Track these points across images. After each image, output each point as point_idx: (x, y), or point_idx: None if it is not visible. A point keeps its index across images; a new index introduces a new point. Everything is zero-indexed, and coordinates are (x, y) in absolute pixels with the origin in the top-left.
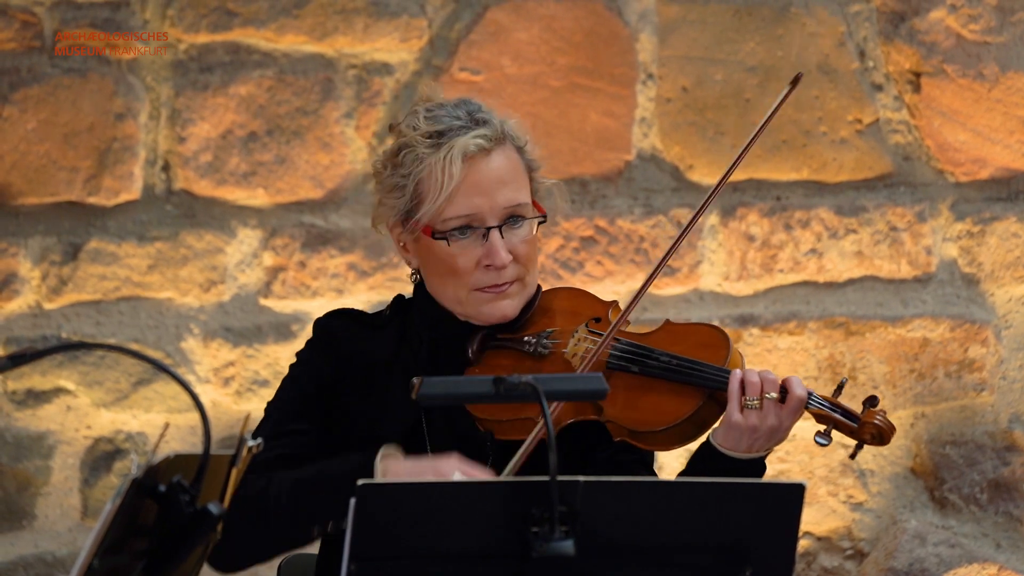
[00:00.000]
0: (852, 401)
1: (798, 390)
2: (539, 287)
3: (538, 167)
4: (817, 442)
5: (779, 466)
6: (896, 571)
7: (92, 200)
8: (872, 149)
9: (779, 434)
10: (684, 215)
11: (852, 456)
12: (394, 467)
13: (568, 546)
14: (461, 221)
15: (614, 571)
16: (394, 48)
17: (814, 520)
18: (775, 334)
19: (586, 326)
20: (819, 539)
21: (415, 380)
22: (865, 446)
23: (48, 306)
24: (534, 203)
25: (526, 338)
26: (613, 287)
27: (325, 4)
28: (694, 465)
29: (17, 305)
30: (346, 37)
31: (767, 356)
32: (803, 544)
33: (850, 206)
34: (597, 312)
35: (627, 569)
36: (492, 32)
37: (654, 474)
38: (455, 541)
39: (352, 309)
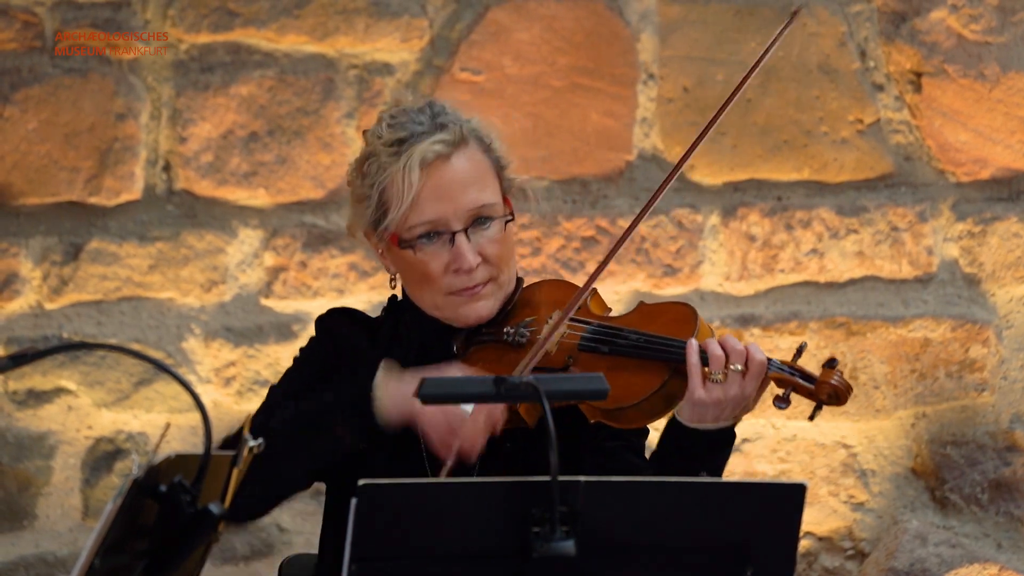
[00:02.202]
0: (814, 366)
1: (758, 356)
2: (520, 281)
3: (507, 164)
4: (776, 406)
5: (780, 466)
6: (897, 571)
7: (93, 200)
8: (873, 149)
9: (744, 403)
10: (685, 215)
11: (810, 417)
12: (393, 388)
13: (569, 546)
14: (426, 228)
15: (615, 571)
16: (395, 48)
17: (815, 520)
18: (776, 334)
19: (559, 312)
20: (820, 539)
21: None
22: (824, 407)
23: (49, 306)
24: (505, 201)
25: (505, 330)
26: (614, 287)
27: (326, 4)
28: (664, 444)
29: (18, 305)
30: (347, 37)
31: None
32: (804, 544)
33: (851, 206)
34: (579, 303)
35: (628, 569)
36: (493, 32)
37: (644, 460)
38: (456, 541)
39: (351, 308)
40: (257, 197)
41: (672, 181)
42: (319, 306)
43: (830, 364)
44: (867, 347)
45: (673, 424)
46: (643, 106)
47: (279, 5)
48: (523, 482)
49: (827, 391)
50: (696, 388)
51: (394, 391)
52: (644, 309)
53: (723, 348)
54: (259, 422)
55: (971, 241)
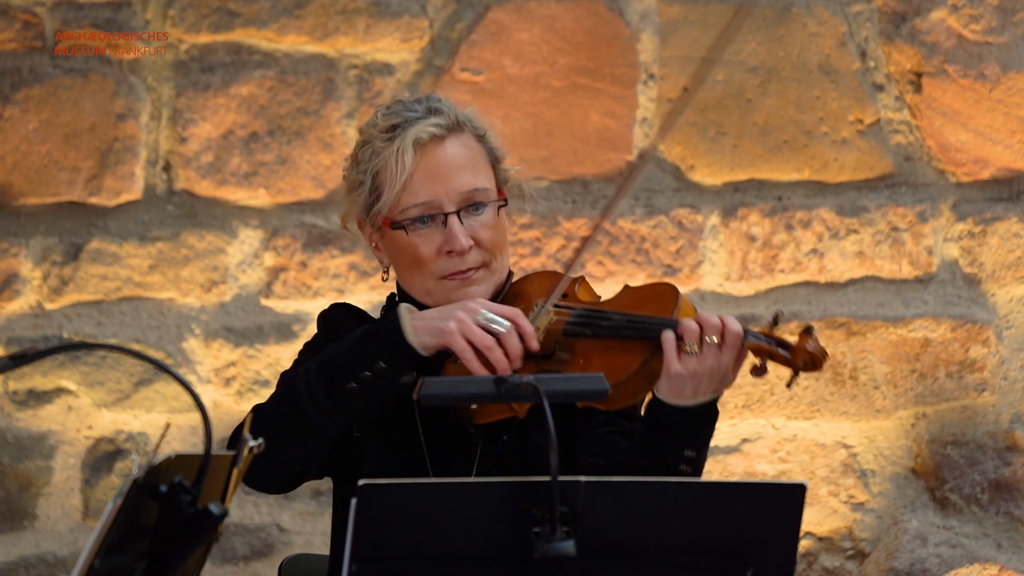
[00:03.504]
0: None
1: (733, 327)
2: (511, 273)
3: (503, 156)
4: (753, 375)
5: (780, 466)
6: (897, 571)
7: (93, 200)
8: (873, 149)
9: (721, 374)
10: (685, 215)
11: (788, 385)
12: (418, 316)
13: (569, 546)
14: (419, 210)
15: (615, 571)
16: (395, 48)
17: (815, 520)
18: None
19: (546, 300)
20: (820, 539)
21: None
22: (800, 374)
23: (49, 306)
24: (499, 191)
25: None
26: (614, 287)
27: (326, 4)
28: (647, 424)
29: (18, 305)
30: (347, 37)
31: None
32: (804, 544)
33: (851, 206)
34: (563, 289)
35: (628, 569)
36: (493, 32)
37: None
38: (456, 541)
39: (353, 304)
40: (257, 197)
41: (671, 181)
42: (319, 306)
43: (807, 332)
44: (867, 347)
45: (654, 402)
46: (643, 106)
47: (279, 5)
48: (523, 482)
49: (803, 358)
50: (671, 362)
51: (420, 318)
52: (628, 291)
53: (697, 321)
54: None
55: (971, 241)
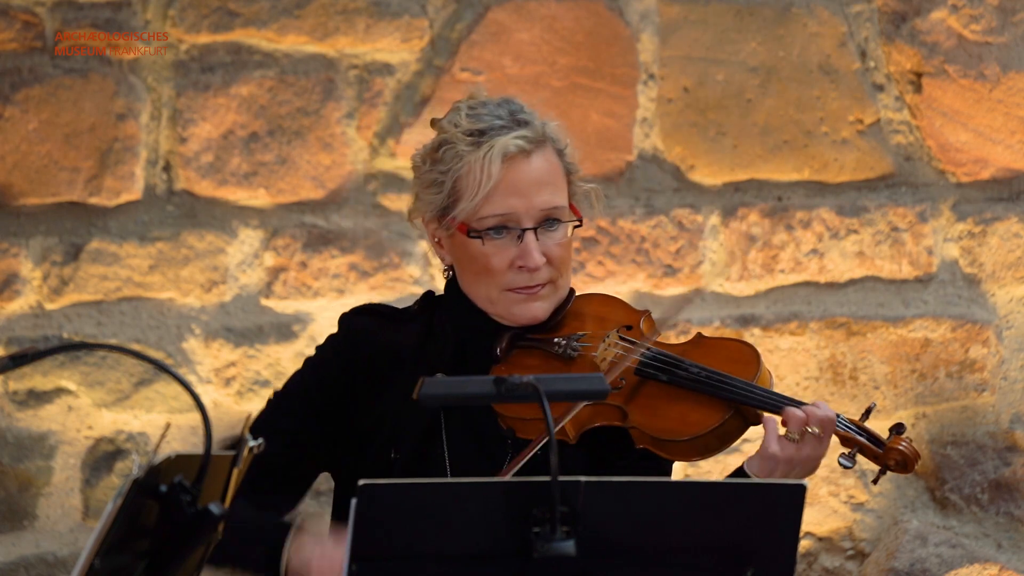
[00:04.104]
0: (879, 427)
1: (827, 414)
2: (572, 291)
3: (577, 171)
4: (841, 464)
5: None
6: (897, 571)
7: (93, 200)
8: (873, 149)
9: (813, 464)
10: (685, 215)
11: (874, 481)
12: (298, 547)
13: (569, 547)
14: (497, 221)
15: (615, 572)
16: (395, 48)
17: (815, 520)
18: (776, 335)
19: (617, 332)
20: (820, 539)
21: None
22: (889, 472)
23: (49, 306)
24: (571, 207)
25: (556, 340)
26: (614, 287)
27: (326, 4)
28: None
29: (18, 305)
30: (347, 37)
31: (768, 357)
32: (804, 544)
33: (851, 206)
34: (629, 320)
35: (628, 570)
36: (493, 32)
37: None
38: (456, 541)
39: (379, 304)
40: (257, 197)
41: (671, 181)
42: (319, 306)
43: (898, 430)
44: (867, 347)
45: (740, 474)
46: (643, 106)
47: (279, 5)
48: (523, 482)
49: (895, 458)
50: (771, 443)
51: (297, 551)
52: (703, 341)
53: (804, 411)
54: (258, 424)
55: (971, 241)
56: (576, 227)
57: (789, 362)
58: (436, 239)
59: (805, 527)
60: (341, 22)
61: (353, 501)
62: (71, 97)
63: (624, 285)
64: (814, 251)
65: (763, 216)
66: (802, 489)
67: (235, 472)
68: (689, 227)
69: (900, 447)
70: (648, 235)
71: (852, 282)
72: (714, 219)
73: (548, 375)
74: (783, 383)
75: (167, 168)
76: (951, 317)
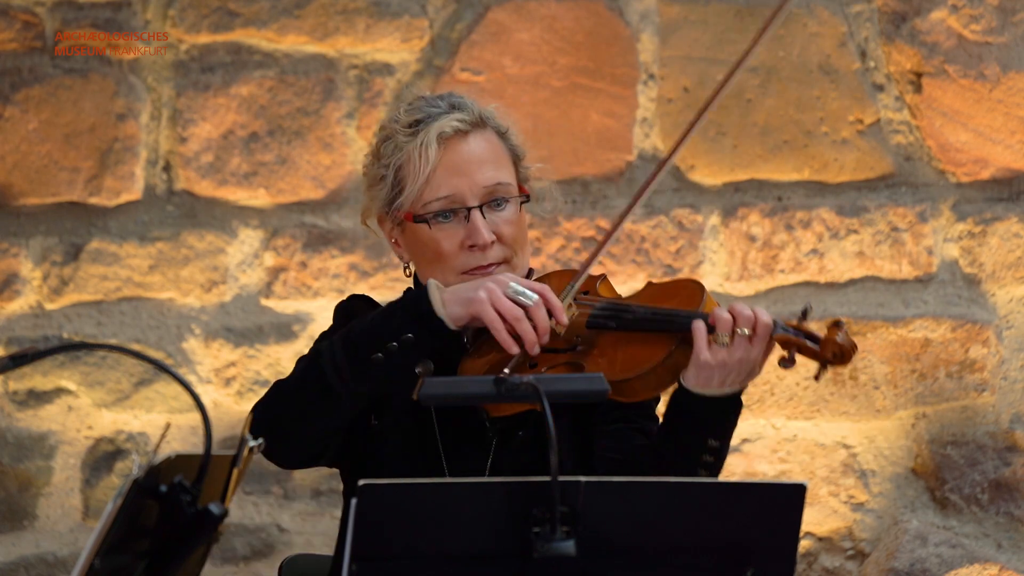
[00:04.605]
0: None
1: (764, 318)
2: (532, 270)
3: (523, 154)
4: (781, 365)
5: (780, 466)
6: (897, 571)
7: (93, 200)
8: (873, 149)
9: (749, 366)
10: (686, 215)
11: (816, 377)
12: (447, 290)
13: (569, 546)
14: (441, 204)
15: (615, 571)
16: (395, 48)
17: (815, 520)
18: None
19: (574, 296)
20: (820, 539)
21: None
22: (829, 368)
23: (49, 306)
24: (520, 187)
25: None
26: (617, 288)
27: (326, 4)
28: (671, 413)
29: (18, 305)
30: (347, 37)
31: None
32: (804, 544)
33: (851, 206)
34: (585, 286)
35: (628, 569)
36: (493, 32)
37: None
38: (456, 541)
39: (370, 297)
40: (257, 197)
41: (671, 181)
42: (319, 306)
43: (836, 325)
44: (867, 347)
45: (679, 391)
46: (643, 106)
47: (279, 5)
48: (524, 482)
49: (832, 350)
50: (701, 351)
51: (449, 291)
52: (652, 287)
53: (730, 312)
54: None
55: (971, 241)
56: (524, 203)
57: None
58: (392, 239)
59: (805, 527)
60: (341, 22)
61: (353, 501)
62: (71, 97)
63: (624, 285)
64: (814, 251)
65: (763, 216)
66: (802, 489)
67: (235, 472)
68: (689, 227)
69: (836, 338)
70: (648, 235)
71: (852, 282)
72: (714, 219)
73: (548, 375)
74: (783, 383)
75: (167, 168)
76: (951, 317)
